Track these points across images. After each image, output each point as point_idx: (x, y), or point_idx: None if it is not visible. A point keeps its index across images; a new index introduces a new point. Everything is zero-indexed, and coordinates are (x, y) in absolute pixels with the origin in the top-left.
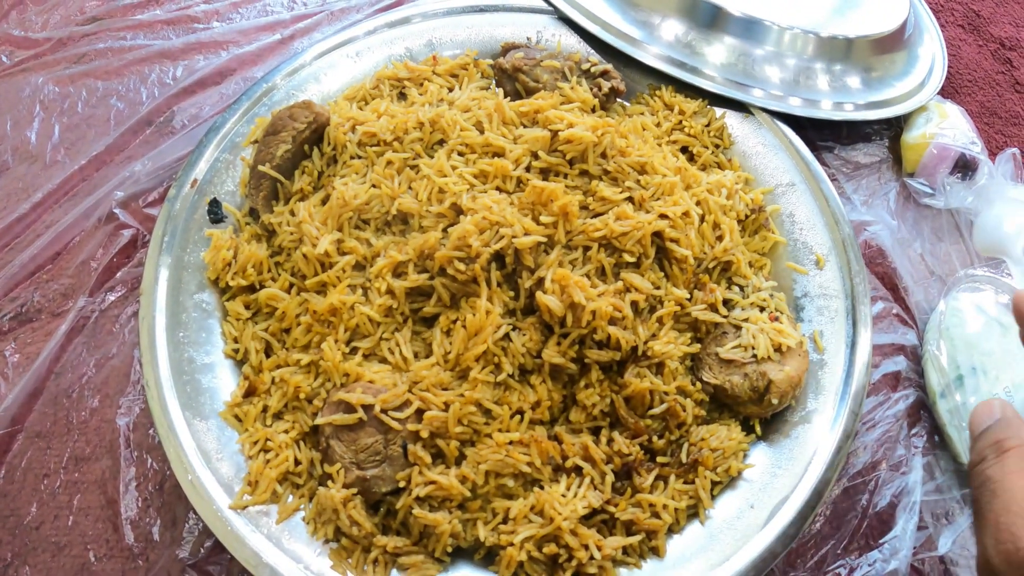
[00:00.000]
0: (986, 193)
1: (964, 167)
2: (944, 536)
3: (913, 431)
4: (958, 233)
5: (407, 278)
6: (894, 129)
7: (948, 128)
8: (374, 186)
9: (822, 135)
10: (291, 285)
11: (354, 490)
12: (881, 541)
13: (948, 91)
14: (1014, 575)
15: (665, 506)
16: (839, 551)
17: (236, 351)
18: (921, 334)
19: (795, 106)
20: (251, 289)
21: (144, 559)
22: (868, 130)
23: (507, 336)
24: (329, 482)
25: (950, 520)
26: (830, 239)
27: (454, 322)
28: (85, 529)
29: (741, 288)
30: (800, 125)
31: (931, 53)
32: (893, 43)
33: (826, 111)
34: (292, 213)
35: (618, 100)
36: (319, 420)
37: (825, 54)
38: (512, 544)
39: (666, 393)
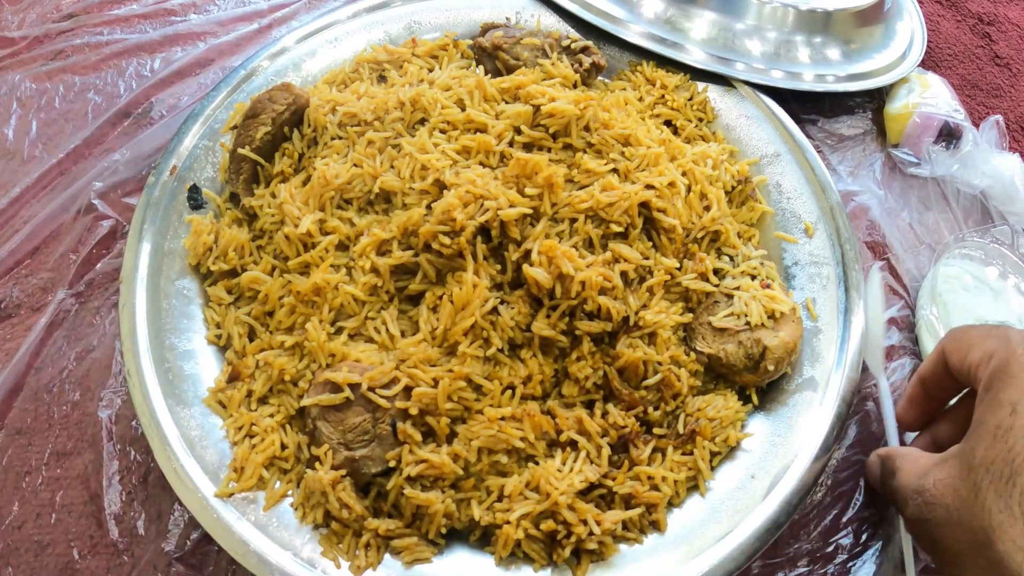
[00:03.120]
0: (971, 160)
1: (948, 135)
2: None
3: None
4: (945, 202)
5: (391, 256)
6: (877, 101)
7: (931, 98)
8: (356, 165)
9: (805, 108)
10: (273, 268)
11: (343, 472)
12: (883, 510)
13: (929, 65)
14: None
15: (664, 478)
16: (842, 521)
17: (219, 336)
18: (912, 303)
19: (777, 78)
20: (233, 274)
21: (129, 554)
22: (851, 103)
23: (495, 310)
24: (317, 465)
25: None
26: (818, 207)
27: (440, 298)
28: (68, 526)
29: (731, 258)
30: (783, 99)
31: (910, 27)
32: (872, 16)
33: (808, 83)
34: (273, 195)
35: (599, 77)
36: (305, 401)
37: (805, 27)
38: (508, 522)
39: (660, 363)
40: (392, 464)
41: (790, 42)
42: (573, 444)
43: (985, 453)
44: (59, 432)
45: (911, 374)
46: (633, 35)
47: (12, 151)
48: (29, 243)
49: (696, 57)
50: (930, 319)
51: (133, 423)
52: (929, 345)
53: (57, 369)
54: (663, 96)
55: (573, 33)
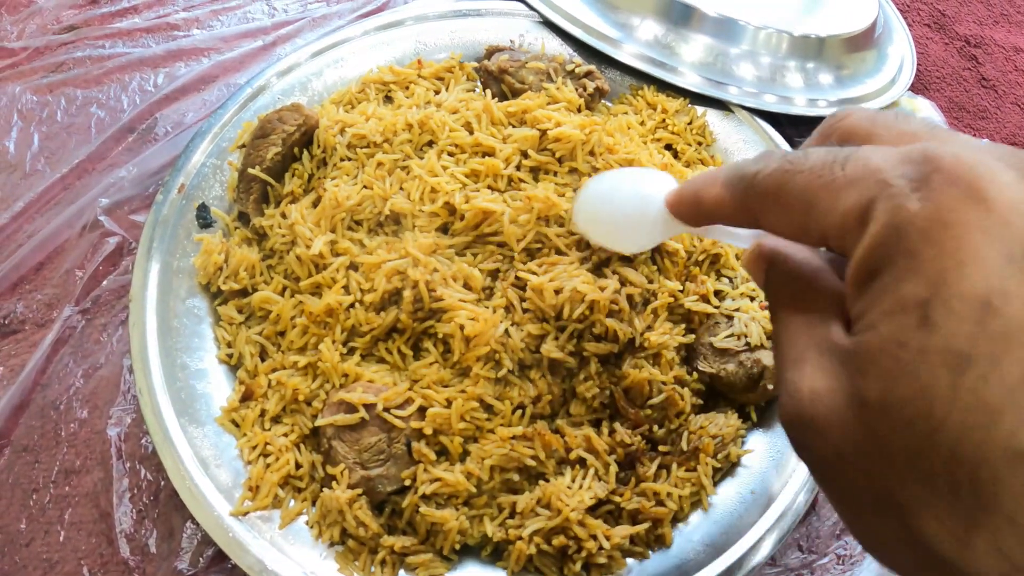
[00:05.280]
0: None
1: None
2: None
3: None
4: None
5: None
6: None
7: None
8: (365, 187)
9: (800, 132)
10: (284, 288)
11: (359, 491)
12: None
13: (917, 88)
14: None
15: (669, 494)
16: (838, 532)
17: (230, 356)
18: None
19: (770, 103)
20: (243, 293)
21: (141, 572)
22: None
23: (506, 332)
24: (333, 484)
25: None
26: None
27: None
28: (78, 544)
29: (730, 280)
30: (778, 123)
31: (900, 51)
32: (864, 42)
33: (800, 107)
34: (283, 215)
35: (602, 101)
36: (320, 421)
37: (798, 52)
38: (521, 538)
39: (664, 383)
40: (407, 482)
41: (783, 67)
42: (582, 462)
43: (885, 389)
44: (67, 450)
45: None
46: (632, 58)
47: (14, 164)
48: (33, 258)
49: (691, 80)
50: None
51: (143, 441)
52: None
53: (64, 386)
54: (664, 120)
55: (577, 57)
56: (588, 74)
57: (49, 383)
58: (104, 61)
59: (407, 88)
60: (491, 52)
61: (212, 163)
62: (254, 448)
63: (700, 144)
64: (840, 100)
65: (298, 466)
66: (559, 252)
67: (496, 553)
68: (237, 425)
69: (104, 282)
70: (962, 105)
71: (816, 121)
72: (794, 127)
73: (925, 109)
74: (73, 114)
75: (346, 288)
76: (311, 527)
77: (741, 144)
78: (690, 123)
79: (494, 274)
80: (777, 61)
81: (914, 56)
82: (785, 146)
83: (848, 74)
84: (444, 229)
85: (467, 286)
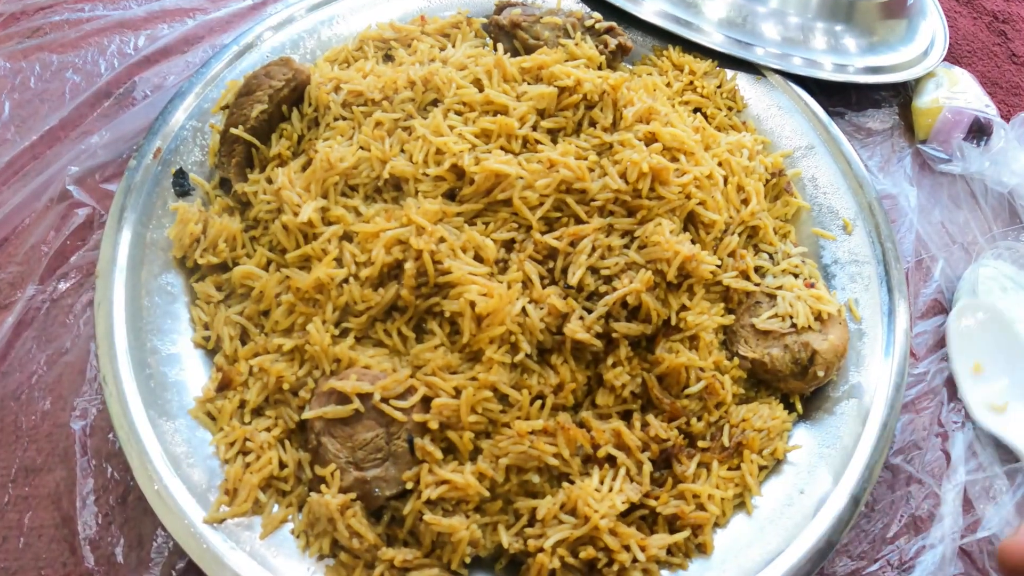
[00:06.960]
0: (1003, 158)
1: (978, 131)
2: (989, 516)
3: (950, 406)
4: (973, 200)
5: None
6: (902, 96)
7: (960, 92)
8: (362, 148)
9: (832, 101)
10: (269, 262)
11: (352, 495)
12: (929, 524)
13: (949, 61)
14: None
15: (711, 496)
16: (888, 536)
17: (207, 339)
18: (947, 303)
19: (797, 65)
20: (223, 268)
21: None
22: (877, 96)
23: (523, 310)
24: (322, 487)
25: (995, 499)
26: (855, 203)
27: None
28: (38, 551)
29: (770, 256)
30: (809, 90)
31: (932, 23)
32: (896, 9)
33: (828, 71)
34: (269, 180)
35: (623, 62)
36: (308, 414)
37: (827, 14)
38: (542, 550)
39: (702, 369)
40: (409, 486)
41: (812, 28)
42: (611, 460)
43: None
44: (27, 445)
45: (949, 379)
46: (652, 15)
47: None
48: None
49: (715, 40)
50: (964, 324)
51: (110, 436)
52: (956, 350)
53: (26, 374)
54: (692, 83)
55: (595, 13)
56: (609, 30)
57: (9, 370)
58: (82, 24)
59: (409, 45)
60: (502, 7)
61: (192, 126)
62: (232, 444)
63: (731, 109)
64: (869, 67)
65: (282, 466)
66: (579, 221)
67: (513, 567)
68: (213, 418)
69: (72, 258)
70: (995, 80)
71: (845, 87)
72: (825, 94)
73: (964, 80)
74: (47, 80)
75: (339, 261)
76: (297, 537)
77: (775, 110)
78: (719, 87)
79: (509, 245)
80: (806, 22)
81: (946, 29)
82: (822, 114)
83: (878, 41)
84: (451, 195)
85: (478, 258)
